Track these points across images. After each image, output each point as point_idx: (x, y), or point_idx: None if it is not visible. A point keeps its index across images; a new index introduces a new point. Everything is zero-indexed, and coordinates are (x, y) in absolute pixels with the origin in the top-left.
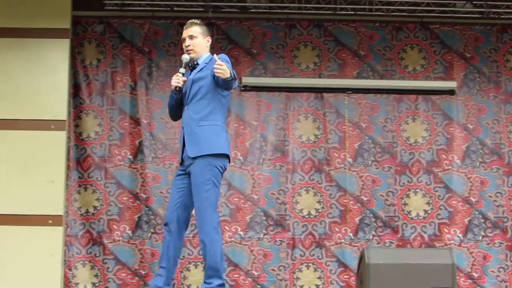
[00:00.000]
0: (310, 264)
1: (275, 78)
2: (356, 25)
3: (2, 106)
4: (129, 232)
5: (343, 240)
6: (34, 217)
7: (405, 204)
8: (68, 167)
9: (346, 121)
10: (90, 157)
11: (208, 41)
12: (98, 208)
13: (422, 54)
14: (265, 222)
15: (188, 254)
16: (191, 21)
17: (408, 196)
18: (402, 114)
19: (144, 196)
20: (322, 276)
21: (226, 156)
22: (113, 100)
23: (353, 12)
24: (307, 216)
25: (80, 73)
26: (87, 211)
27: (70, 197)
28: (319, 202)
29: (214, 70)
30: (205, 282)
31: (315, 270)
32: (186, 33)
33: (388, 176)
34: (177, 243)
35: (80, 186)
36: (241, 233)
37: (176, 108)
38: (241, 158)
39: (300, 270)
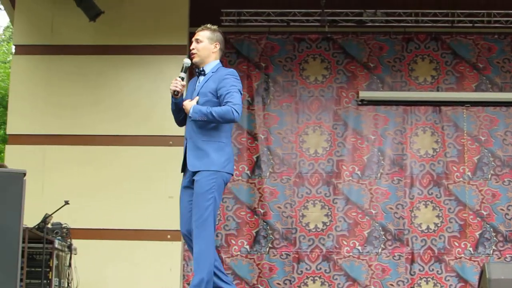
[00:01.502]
0: (429, 279)
1: (393, 92)
2: (474, 37)
3: (121, 122)
4: (247, 247)
5: (462, 255)
6: (153, 232)
7: None
8: None
9: (465, 134)
10: None
11: (216, 46)
12: (216, 223)
13: None
14: (384, 237)
15: (306, 269)
16: (204, 25)
17: None
18: None
19: (262, 211)
20: None
21: (229, 174)
22: None
23: (470, 25)
24: (426, 231)
25: None
26: None
27: None
28: (438, 216)
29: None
30: (200, 279)
31: (435, 285)
32: (194, 36)
33: (509, 190)
34: None
35: None
36: (359, 247)
37: (177, 113)
38: (358, 172)
39: (419, 285)
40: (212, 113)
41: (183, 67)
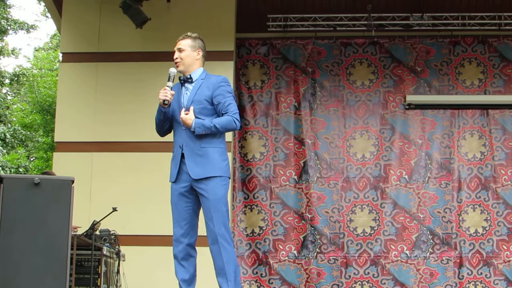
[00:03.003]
0: (478, 283)
1: (440, 96)
2: None
3: None
4: (295, 252)
5: (511, 258)
6: (200, 238)
7: None
8: (233, 188)
9: None
10: (256, 177)
11: (198, 53)
12: (264, 228)
13: None
14: (432, 241)
15: (354, 273)
16: (184, 34)
17: None
18: None
19: (309, 216)
20: None
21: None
22: (277, 121)
23: None
24: (474, 234)
25: (245, 94)
26: (252, 232)
27: (236, 218)
28: (486, 220)
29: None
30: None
31: None
32: (176, 46)
33: None
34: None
35: (245, 206)
36: (407, 252)
37: (164, 122)
38: (406, 176)
39: None
40: (215, 126)
41: (169, 76)
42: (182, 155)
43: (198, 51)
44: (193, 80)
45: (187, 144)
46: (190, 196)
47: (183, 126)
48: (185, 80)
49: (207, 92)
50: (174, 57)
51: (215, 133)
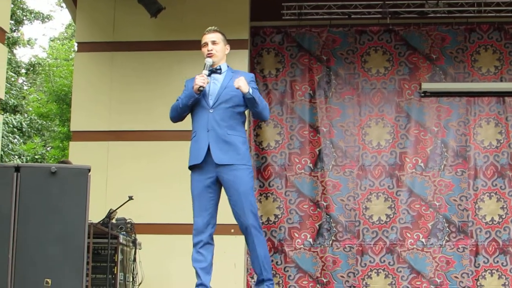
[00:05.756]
0: (494, 271)
1: (455, 83)
2: None
3: None
4: (310, 240)
5: None
6: (217, 227)
7: None
8: None
9: None
10: (271, 166)
11: (227, 48)
12: (279, 216)
13: None
14: (448, 229)
15: (370, 261)
16: (212, 27)
17: None
18: None
19: (324, 204)
20: (507, 284)
21: None
22: (292, 109)
23: None
24: (490, 223)
25: (260, 83)
26: (268, 220)
27: None
28: (502, 208)
29: (236, 81)
30: (269, 279)
31: (499, 277)
32: (208, 38)
33: None
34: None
35: (261, 194)
36: (423, 240)
37: (189, 108)
38: (421, 164)
39: (484, 277)
40: (261, 99)
41: (206, 65)
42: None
43: (227, 46)
44: (222, 71)
45: (212, 129)
46: (214, 188)
47: (211, 109)
48: (212, 71)
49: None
50: (208, 48)
51: (256, 105)
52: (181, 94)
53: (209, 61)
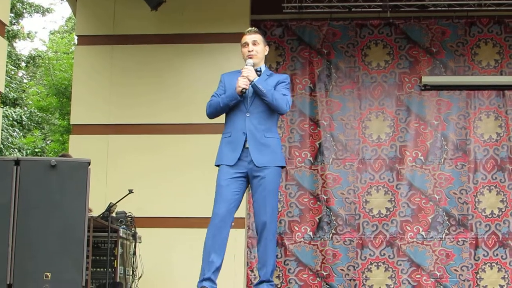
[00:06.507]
0: (494, 264)
1: (456, 77)
2: None
3: (185, 111)
4: (310, 233)
5: None
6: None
7: None
8: None
9: None
10: None
11: (266, 50)
12: (280, 209)
13: None
14: (447, 222)
15: (370, 255)
16: (252, 28)
17: None
18: None
19: (324, 197)
20: (506, 276)
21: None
22: (293, 102)
23: None
24: (490, 216)
25: None
26: None
27: (252, 200)
28: (502, 201)
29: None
30: (269, 281)
31: (499, 270)
32: (249, 38)
33: None
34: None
35: None
36: (423, 233)
37: (228, 109)
38: (421, 158)
39: (484, 270)
40: (271, 91)
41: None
42: (244, 143)
43: (266, 48)
44: (261, 73)
45: (250, 132)
46: (243, 183)
47: (247, 113)
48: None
49: (271, 84)
50: (249, 49)
51: (266, 98)
52: (217, 89)
53: (250, 62)
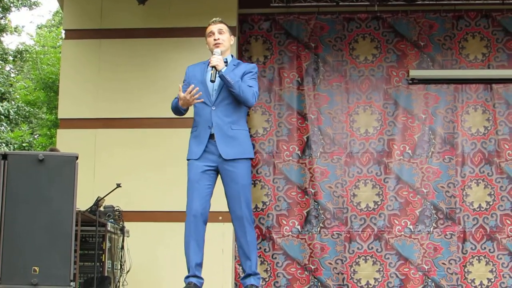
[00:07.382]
0: (481, 257)
1: (443, 70)
2: None
3: (168, 106)
4: (298, 227)
5: None
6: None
7: None
8: None
9: None
10: (259, 153)
11: (232, 39)
12: (267, 203)
13: None
14: (435, 216)
15: (358, 248)
16: (217, 18)
17: None
18: None
19: (312, 191)
20: (494, 270)
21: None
22: (280, 96)
23: None
24: (477, 209)
25: None
26: (256, 207)
27: None
28: (490, 194)
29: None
30: (256, 274)
31: (487, 263)
32: (214, 28)
33: None
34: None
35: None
36: (411, 226)
37: (182, 111)
38: (409, 151)
39: (472, 264)
40: (238, 82)
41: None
42: (211, 136)
43: (232, 37)
44: (228, 64)
45: (216, 125)
46: (213, 176)
47: (213, 106)
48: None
49: (238, 74)
50: (215, 37)
51: (233, 89)
52: (182, 84)
53: (217, 51)
